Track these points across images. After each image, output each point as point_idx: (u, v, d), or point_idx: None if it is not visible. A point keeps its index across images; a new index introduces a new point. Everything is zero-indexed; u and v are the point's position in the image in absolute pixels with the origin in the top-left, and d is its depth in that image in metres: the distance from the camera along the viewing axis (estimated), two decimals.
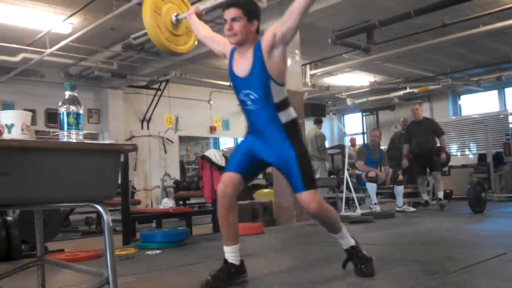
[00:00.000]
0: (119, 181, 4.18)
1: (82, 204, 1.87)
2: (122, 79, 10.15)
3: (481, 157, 10.18)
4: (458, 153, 11.26)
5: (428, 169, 7.67)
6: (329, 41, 7.80)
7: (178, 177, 11.75)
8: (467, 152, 11.27)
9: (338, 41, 7.79)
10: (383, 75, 12.41)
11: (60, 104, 1.89)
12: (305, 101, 9.61)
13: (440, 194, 7.35)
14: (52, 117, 10.02)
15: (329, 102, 14.88)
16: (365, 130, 15.05)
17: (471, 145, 11.22)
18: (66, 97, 1.91)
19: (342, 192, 6.91)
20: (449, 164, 8.49)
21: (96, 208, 1.77)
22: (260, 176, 11.59)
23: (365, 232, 5.07)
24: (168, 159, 11.83)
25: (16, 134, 1.90)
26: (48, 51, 7.59)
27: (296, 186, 2.62)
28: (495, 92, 13.59)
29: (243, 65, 2.64)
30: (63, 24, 7.03)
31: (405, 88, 12.76)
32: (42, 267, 2.11)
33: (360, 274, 2.73)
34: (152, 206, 10.92)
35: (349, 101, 13.89)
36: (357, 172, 7.57)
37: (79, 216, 8.61)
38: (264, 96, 2.59)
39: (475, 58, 10.85)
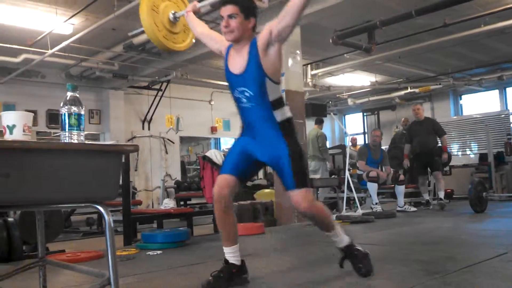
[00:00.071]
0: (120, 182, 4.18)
1: (83, 205, 1.87)
2: (123, 80, 10.15)
3: (482, 157, 10.17)
4: (459, 153, 11.25)
5: (429, 169, 7.66)
6: (330, 41, 7.79)
7: (179, 178, 11.76)
8: (468, 152, 11.26)
9: (339, 41, 7.78)
10: (384, 75, 12.40)
11: (61, 105, 1.90)
12: (306, 101, 9.60)
13: (441, 194, 7.34)
14: (53, 118, 10.03)
15: (330, 102, 14.87)
16: (366, 130, 15.04)
17: (472, 144, 11.21)
18: (68, 98, 1.91)
19: (343, 192, 6.91)
20: (450, 163, 8.47)
21: (98, 209, 1.77)
22: (261, 176, 11.61)
23: (366, 232, 5.07)
24: (169, 160, 11.84)
25: (17, 135, 1.90)
26: (50, 51, 7.60)
27: (287, 184, 2.60)
28: (496, 92, 13.58)
29: (238, 62, 2.63)
30: (65, 25, 7.03)
31: (406, 88, 12.75)
32: (43, 268, 2.12)
33: (358, 273, 2.72)
34: (153, 207, 10.93)
35: (350, 101, 13.89)
36: (358, 172, 7.57)
37: (80, 216, 8.62)
38: (259, 93, 2.58)
39: (476, 58, 10.83)
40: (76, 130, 1.90)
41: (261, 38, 2.57)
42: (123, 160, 4.51)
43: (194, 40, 3.49)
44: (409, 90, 12.73)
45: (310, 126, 8.65)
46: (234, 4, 2.57)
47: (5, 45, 7.49)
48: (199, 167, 11.07)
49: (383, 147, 8.01)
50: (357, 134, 14.54)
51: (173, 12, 3.32)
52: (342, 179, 7.46)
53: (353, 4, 6.66)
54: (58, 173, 1.70)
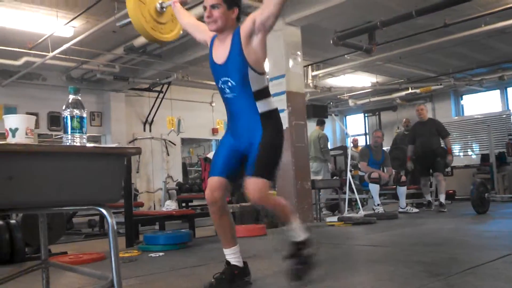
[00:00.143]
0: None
1: (86, 207, 1.87)
2: (124, 82, 10.16)
3: (484, 158, 10.17)
4: (461, 154, 11.25)
5: (431, 170, 7.62)
6: (331, 42, 7.79)
7: (180, 179, 11.76)
8: (469, 153, 11.25)
9: (339, 42, 7.78)
10: (385, 76, 12.40)
11: (64, 107, 1.90)
12: (307, 102, 9.59)
13: (442, 198, 7.25)
14: (55, 120, 10.05)
15: (331, 103, 14.87)
16: (367, 131, 15.04)
17: (473, 145, 11.21)
18: (70, 100, 1.91)
19: (344, 193, 6.91)
20: (452, 164, 8.45)
21: (101, 211, 1.77)
22: None
23: (368, 233, 5.07)
24: (171, 161, 11.84)
25: (20, 138, 1.90)
26: (50, 54, 7.61)
27: (248, 169, 2.55)
28: (498, 92, 13.57)
29: (221, 52, 2.63)
30: (65, 28, 7.04)
31: (407, 89, 12.74)
32: (46, 270, 2.12)
33: (290, 273, 2.64)
34: (154, 209, 10.93)
35: (351, 102, 13.89)
36: (360, 173, 7.57)
37: (82, 218, 8.62)
38: (241, 83, 2.57)
39: (477, 58, 10.83)
40: (79, 132, 1.91)
41: (244, 27, 2.56)
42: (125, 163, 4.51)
43: (182, 31, 3.44)
44: (410, 90, 12.72)
45: (311, 127, 8.65)
46: None
47: (6, 48, 7.50)
48: (200, 168, 11.09)
49: (384, 148, 8.00)
50: (358, 135, 14.54)
51: (160, 2, 3.25)
52: (343, 180, 7.47)
53: (353, 5, 6.66)
54: (61, 176, 1.70)
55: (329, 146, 9.91)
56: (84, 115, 1.93)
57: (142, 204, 9.40)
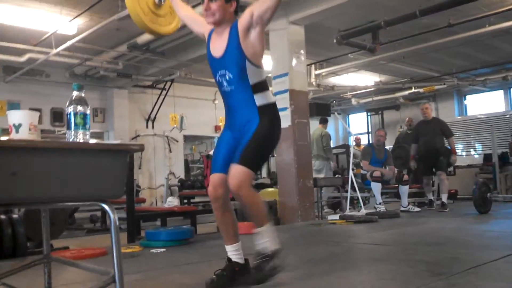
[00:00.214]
0: None
1: (89, 203, 1.88)
2: (128, 79, 10.18)
3: (487, 157, 10.15)
4: (464, 153, 11.23)
5: (434, 169, 7.59)
6: (334, 41, 7.78)
7: (182, 176, 11.78)
8: (472, 152, 11.24)
9: (343, 41, 7.77)
10: (388, 75, 12.38)
11: (67, 104, 1.91)
12: (310, 101, 9.60)
13: (444, 197, 7.22)
14: (58, 116, 10.07)
15: (334, 102, 14.86)
16: (370, 130, 15.02)
17: (476, 145, 11.19)
18: (74, 97, 1.92)
19: (347, 191, 6.91)
20: (455, 164, 8.43)
21: (104, 207, 1.78)
22: (265, 175, 11.60)
23: (370, 232, 5.07)
24: (173, 158, 11.86)
25: (23, 133, 1.91)
26: (54, 51, 7.62)
27: (235, 156, 2.54)
28: (501, 92, 13.53)
29: (219, 45, 2.63)
30: (69, 25, 7.05)
31: (410, 88, 12.72)
32: (48, 265, 2.13)
33: (246, 278, 2.59)
34: (156, 205, 10.95)
35: (354, 101, 13.87)
36: (362, 171, 7.57)
37: (83, 214, 8.65)
38: (239, 76, 2.57)
39: (481, 58, 10.80)
40: (82, 129, 1.91)
41: (242, 20, 2.56)
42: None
43: (180, 24, 3.41)
44: (413, 90, 12.70)
45: (314, 125, 8.64)
46: None
47: (10, 44, 7.52)
48: (202, 165, 11.10)
49: (387, 147, 7.99)
50: (361, 133, 14.53)
51: None
52: (345, 179, 7.46)
53: (357, 4, 6.66)
54: (64, 172, 1.71)
55: (332, 145, 9.91)
56: (88, 111, 1.94)
57: (144, 200, 9.43)
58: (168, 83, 11.04)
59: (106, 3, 6.40)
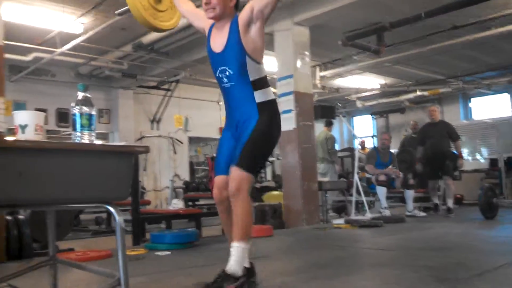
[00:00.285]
0: None
1: (94, 205, 1.88)
2: (132, 79, 10.18)
3: (493, 162, 10.09)
4: (469, 158, 11.17)
5: (440, 173, 7.49)
6: (339, 42, 7.77)
7: (187, 178, 11.77)
8: (478, 157, 11.18)
9: (348, 42, 7.75)
10: (393, 77, 12.34)
11: (73, 105, 1.90)
12: (315, 103, 9.57)
13: (450, 203, 7.16)
14: (63, 116, 10.08)
15: (339, 104, 14.82)
16: (375, 133, 14.97)
17: (482, 149, 11.13)
18: (79, 98, 1.91)
19: (351, 195, 6.88)
20: (461, 168, 8.36)
21: (109, 209, 1.77)
22: (270, 178, 11.58)
23: (375, 237, 5.05)
24: (178, 160, 11.86)
25: (29, 134, 1.91)
26: (59, 50, 7.64)
27: (234, 157, 2.52)
28: (507, 95, 13.46)
29: (219, 41, 2.62)
30: (75, 24, 7.06)
31: (415, 91, 12.67)
32: (54, 266, 2.12)
33: None
34: (161, 207, 10.95)
35: (359, 103, 13.83)
36: (367, 175, 7.55)
37: (89, 215, 8.65)
38: (239, 72, 2.55)
39: (487, 61, 10.75)
40: (87, 130, 1.91)
41: (242, 15, 2.55)
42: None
43: (180, 19, 3.38)
44: (418, 93, 12.64)
45: (318, 128, 8.62)
46: None
47: (16, 43, 7.53)
48: (207, 167, 11.07)
49: (392, 150, 7.96)
50: (366, 136, 14.48)
51: None
52: (350, 182, 7.43)
53: (362, 5, 6.64)
54: (69, 173, 1.70)
55: (337, 148, 9.88)
56: (93, 112, 1.93)
57: (149, 202, 9.42)
58: (173, 84, 11.05)
59: (111, 2, 6.40)
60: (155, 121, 11.61)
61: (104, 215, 8.08)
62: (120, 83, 10.68)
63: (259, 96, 2.58)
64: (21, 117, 1.93)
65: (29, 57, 8.34)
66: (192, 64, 9.42)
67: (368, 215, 6.42)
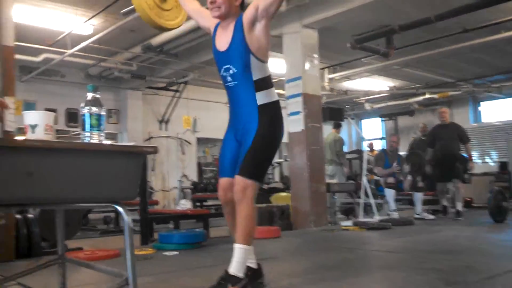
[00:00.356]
0: None
1: (103, 204, 1.88)
2: (141, 80, 10.23)
3: (502, 165, 10.02)
4: (479, 161, 11.09)
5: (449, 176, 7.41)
6: (348, 45, 7.75)
7: (195, 179, 11.80)
8: (487, 160, 11.09)
9: (357, 45, 7.73)
10: (402, 80, 12.29)
11: (82, 105, 1.91)
12: (323, 105, 9.55)
13: (459, 206, 7.09)
14: (72, 116, 10.14)
15: (348, 106, 14.78)
16: (384, 135, 14.91)
17: (492, 152, 11.05)
18: (89, 98, 1.92)
19: (360, 197, 6.86)
20: (471, 171, 8.28)
21: (117, 209, 1.78)
22: (277, 179, 11.57)
23: (383, 239, 5.02)
24: (186, 161, 11.88)
25: (39, 134, 1.92)
26: (69, 51, 7.69)
27: (238, 165, 2.51)
28: None
29: (224, 39, 2.61)
30: (85, 25, 7.11)
31: (425, 94, 12.61)
32: (63, 265, 2.13)
33: None
34: (169, 207, 10.97)
35: (367, 106, 13.78)
36: (376, 177, 7.52)
37: (97, 215, 8.69)
38: (243, 71, 2.54)
39: (496, 64, 10.67)
40: (97, 130, 1.92)
41: (247, 14, 2.54)
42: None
43: (185, 19, 3.37)
44: (427, 96, 12.57)
45: (327, 130, 8.61)
46: None
47: (27, 44, 7.59)
48: (215, 168, 11.05)
49: (401, 153, 7.93)
50: (374, 139, 14.42)
51: None
52: (359, 184, 7.41)
53: (371, 8, 6.61)
54: (78, 173, 1.71)
55: (345, 150, 9.85)
56: (102, 113, 1.94)
57: (157, 202, 9.45)
58: (182, 85, 11.08)
59: (121, 4, 6.43)
60: (163, 121, 11.65)
61: (112, 215, 8.12)
62: (129, 84, 10.73)
63: (261, 98, 2.57)
64: (31, 117, 1.94)
65: (39, 58, 8.40)
66: (201, 66, 9.45)
67: (377, 217, 6.40)
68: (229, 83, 2.61)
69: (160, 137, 11.47)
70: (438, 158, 7.36)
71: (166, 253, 4.11)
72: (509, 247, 4.29)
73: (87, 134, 1.91)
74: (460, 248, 4.22)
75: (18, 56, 8.30)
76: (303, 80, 6.65)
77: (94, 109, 1.92)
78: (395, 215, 6.82)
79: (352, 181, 8.79)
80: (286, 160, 11.28)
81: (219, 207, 8.90)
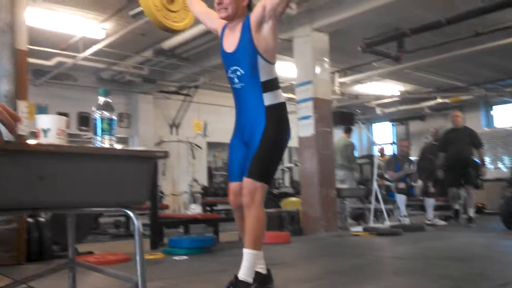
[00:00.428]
0: None
1: (113, 209, 1.89)
2: (153, 84, 10.29)
3: None
4: (491, 166, 10.97)
5: (462, 181, 7.31)
6: (359, 48, 7.73)
7: (205, 183, 11.81)
8: (500, 165, 10.98)
9: (368, 49, 7.71)
10: (414, 84, 12.22)
11: (94, 109, 1.92)
12: (334, 109, 9.53)
13: (471, 212, 7.02)
14: (84, 120, 10.22)
15: (358, 111, 14.72)
16: (394, 140, 14.82)
17: (504, 158, 10.93)
18: (101, 103, 1.93)
19: (370, 203, 6.82)
20: (484, 176, 8.17)
21: (128, 213, 1.78)
22: (287, 184, 11.54)
23: (394, 245, 4.98)
24: (196, 165, 11.89)
25: (51, 138, 1.93)
26: (82, 55, 7.76)
27: (246, 168, 2.50)
28: None
29: (231, 41, 2.61)
30: (97, 29, 7.17)
31: (436, 98, 12.51)
32: (73, 269, 2.14)
33: None
34: (179, 211, 10.99)
35: (378, 110, 13.71)
36: (387, 183, 7.47)
37: (108, 219, 8.73)
38: (250, 72, 2.53)
39: (509, 68, 10.57)
40: (108, 134, 1.92)
41: (254, 14, 2.53)
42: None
43: (192, 21, 3.36)
44: (439, 100, 12.48)
45: (337, 134, 8.58)
46: None
47: (40, 48, 7.67)
48: (225, 173, 11.03)
49: (412, 158, 7.87)
50: (385, 144, 14.34)
51: None
52: (369, 190, 7.37)
53: (382, 12, 6.59)
54: (90, 177, 1.71)
55: (356, 155, 9.79)
56: (114, 117, 1.94)
57: (167, 206, 9.47)
58: (192, 89, 11.11)
59: (132, 8, 6.47)
60: (174, 126, 11.69)
61: (123, 219, 8.14)
62: (140, 88, 10.79)
63: (268, 99, 2.55)
64: (44, 121, 1.95)
65: (52, 62, 8.49)
66: (212, 70, 9.47)
67: (387, 223, 6.35)
68: (236, 85, 2.61)
69: (170, 141, 11.50)
70: (451, 163, 7.27)
71: (176, 257, 4.11)
72: None
73: (99, 138, 1.92)
74: (472, 255, 4.17)
75: (31, 60, 8.41)
76: (314, 84, 6.64)
77: (106, 113, 1.92)
78: (406, 221, 6.77)
79: (362, 186, 8.74)
80: (296, 165, 11.25)
81: (229, 211, 8.89)
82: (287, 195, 9.17)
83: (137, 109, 11.12)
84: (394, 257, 4.24)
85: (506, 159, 10.93)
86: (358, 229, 6.34)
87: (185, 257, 4.13)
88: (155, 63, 9.28)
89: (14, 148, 1.52)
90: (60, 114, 8.13)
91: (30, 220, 4.07)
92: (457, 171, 7.20)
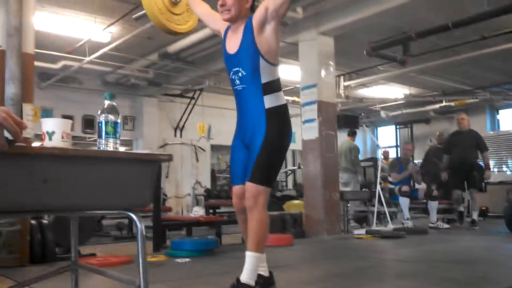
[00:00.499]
0: None
1: (117, 212, 1.90)
2: (157, 87, 10.33)
3: None
4: (496, 170, 10.93)
5: (465, 184, 7.28)
6: (364, 52, 7.73)
7: (208, 186, 11.82)
8: (504, 169, 10.93)
9: (373, 52, 7.70)
10: (419, 88, 12.19)
11: (99, 112, 1.93)
12: (339, 112, 9.53)
13: (475, 215, 6.99)
14: (89, 123, 10.26)
15: (363, 114, 14.70)
16: (399, 143, 14.79)
17: (509, 161, 10.88)
18: (105, 106, 1.95)
19: (374, 206, 6.81)
20: (488, 180, 8.14)
21: (131, 216, 1.79)
22: (291, 187, 11.53)
23: (397, 248, 4.98)
24: (200, 167, 11.92)
25: (56, 141, 1.94)
26: (87, 59, 7.80)
27: (248, 171, 2.51)
28: None
29: (234, 42, 2.62)
30: (103, 33, 7.20)
31: (441, 102, 12.48)
32: (75, 271, 2.15)
33: None
34: (182, 214, 11.00)
35: (383, 114, 13.69)
36: (390, 186, 7.46)
37: (110, 221, 8.75)
38: (252, 73, 2.54)
39: None
40: (113, 138, 1.94)
41: (256, 15, 2.54)
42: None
43: (196, 23, 3.35)
44: (444, 103, 12.45)
45: (341, 137, 8.57)
46: None
47: (46, 51, 7.72)
48: (228, 175, 11.06)
49: (416, 161, 7.86)
50: (389, 147, 14.32)
51: None
52: (373, 193, 7.36)
53: (388, 15, 6.59)
54: (94, 180, 1.73)
55: (360, 158, 9.79)
56: (118, 120, 1.96)
57: (170, 209, 9.49)
58: (197, 92, 11.14)
59: (138, 12, 6.50)
60: (178, 128, 11.72)
61: (125, 221, 8.16)
62: (145, 91, 10.82)
63: (269, 101, 2.55)
64: (49, 124, 1.97)
65: (58, 65, 8.53)
66: (216, 73, 9.50)
67: (390, 226, 6.35)
68: (238, 86, 2.62)
69: (174, 144, 11.53)
70: (455, 166, 7.25)
71: (178, 260, 4.12)
72: None
73: (103, 141, 1.93)
74: (475, 258, 4.16)
75: (37, 63, 8.45)
76: (319, 87, 6.65)
77: (110, 116, 1.94)
78: (409, 223, 6.76)
79: (366, 189, 8.73)
80: (299, 168, 11.25)
81: (232, 214, 8.91)
82: (290, 197, 9.17)
83: (142, 112, 11.16)
84: (397, 260, 4.24)
85: (510, 163, 10.87)
86: (361, 232, 6.34)
87: (187, 259, 4.14)
88: (160, 67, 9.31)
89: (19, 152, 1.54)
90: (65, 117, 8.19)
91: (33, 222, 4.10)
92: (461, 174, 7.18)
